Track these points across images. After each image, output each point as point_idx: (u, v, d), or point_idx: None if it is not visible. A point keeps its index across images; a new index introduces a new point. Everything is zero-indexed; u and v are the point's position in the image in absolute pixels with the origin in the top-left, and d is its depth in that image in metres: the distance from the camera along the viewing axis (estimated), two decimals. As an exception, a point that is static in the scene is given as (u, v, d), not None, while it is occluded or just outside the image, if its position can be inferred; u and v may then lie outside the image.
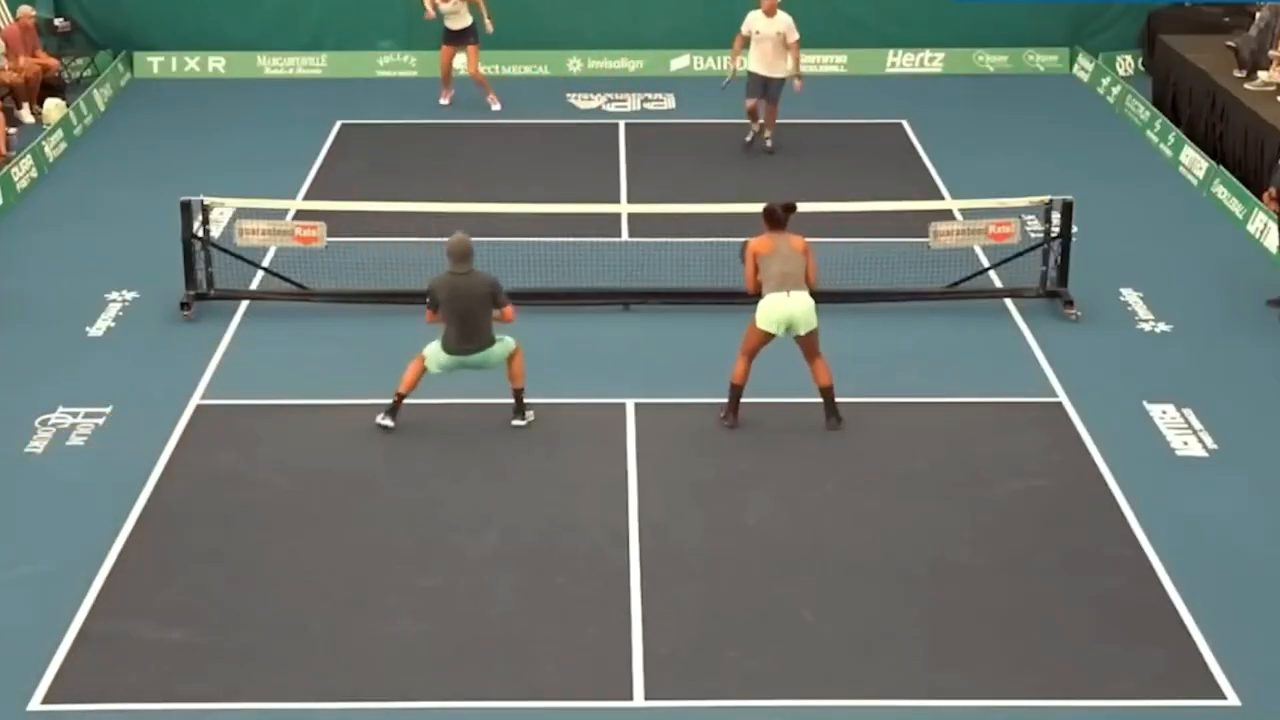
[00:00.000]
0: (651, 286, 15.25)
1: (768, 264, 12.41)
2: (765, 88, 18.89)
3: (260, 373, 13.74)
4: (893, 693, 9.60)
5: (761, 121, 19.23)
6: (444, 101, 21.36)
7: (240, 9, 23.48)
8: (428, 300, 12.48)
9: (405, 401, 12.59)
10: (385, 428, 12.57)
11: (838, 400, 12.62)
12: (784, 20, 18.68)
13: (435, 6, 20.77)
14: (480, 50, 21.04)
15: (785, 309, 12.31)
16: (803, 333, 12.41)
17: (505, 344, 12.60)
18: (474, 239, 12.46)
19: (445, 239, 12.51)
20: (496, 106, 21.13)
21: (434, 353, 12.53)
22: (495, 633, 10.16)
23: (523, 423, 12.70)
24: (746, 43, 18.89)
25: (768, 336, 12.44)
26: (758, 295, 12.49)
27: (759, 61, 18.81)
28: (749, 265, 12.50)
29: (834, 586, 10.68)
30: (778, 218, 12.56)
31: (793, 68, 18.74)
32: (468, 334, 12.41)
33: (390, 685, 9.64)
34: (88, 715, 9.44)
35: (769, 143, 19.17)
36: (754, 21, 18.86)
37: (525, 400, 12.72)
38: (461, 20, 20.83)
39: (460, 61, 21.19)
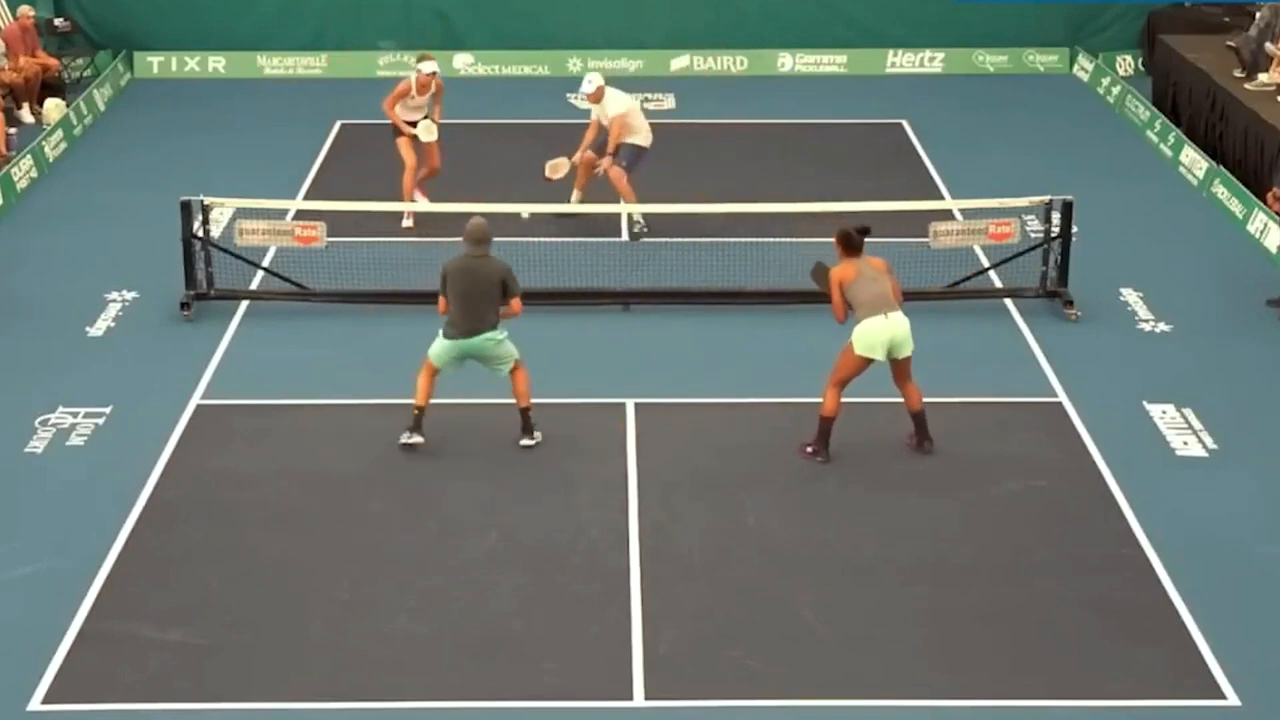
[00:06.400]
0: (651, 286, 15.25)
1: (857, 290, 11.86)
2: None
3: (260, 373, 13.73)
4: (893, 693, 9.59)
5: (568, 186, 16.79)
6: (408, 224, 16.70)
7: (240, 9, 23.49)
8: (441, 286, 12.11)
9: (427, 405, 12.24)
10: (411, 445, 12.21)
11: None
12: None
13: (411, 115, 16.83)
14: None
15: (887, 332, 11.80)
16: (902, 355, 11.96)
17: (511, 350, 12.20)
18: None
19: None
20: (408, 224, 16.63)
21: (436, 347, 12.20)
22: (495, 633, 10.16)
23: (531, 442, 12.31)
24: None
25: (866, 363, 11.92)
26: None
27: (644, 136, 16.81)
28: (835, 294, 11.91)
29: (834, 586, 10.67)
30: (855, 243, 11.99)
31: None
32: (472, 315, 12.04)
33: (390, 685, 9.63)
34: (88, 715, 9.43)
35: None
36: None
37: (532, 418, 12.36)
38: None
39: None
